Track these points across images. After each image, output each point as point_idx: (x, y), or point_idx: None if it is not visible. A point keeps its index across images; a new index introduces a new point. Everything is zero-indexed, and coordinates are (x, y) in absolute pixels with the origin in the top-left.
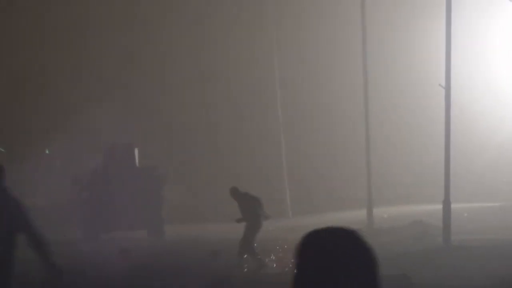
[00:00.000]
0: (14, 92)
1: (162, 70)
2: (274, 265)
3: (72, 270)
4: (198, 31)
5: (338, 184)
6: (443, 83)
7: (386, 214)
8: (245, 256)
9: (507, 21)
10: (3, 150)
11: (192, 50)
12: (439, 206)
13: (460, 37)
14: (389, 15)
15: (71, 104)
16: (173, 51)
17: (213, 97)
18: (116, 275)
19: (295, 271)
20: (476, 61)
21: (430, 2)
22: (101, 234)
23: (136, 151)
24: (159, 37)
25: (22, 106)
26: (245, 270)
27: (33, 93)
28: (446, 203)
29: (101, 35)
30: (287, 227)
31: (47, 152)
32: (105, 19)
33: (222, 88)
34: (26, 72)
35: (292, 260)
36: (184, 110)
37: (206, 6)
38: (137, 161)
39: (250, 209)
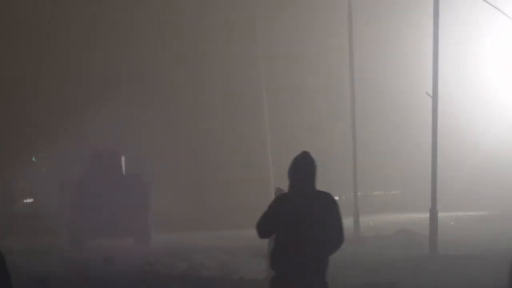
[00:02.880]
0: (2, 99)
1: (150, 76)
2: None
3: (57, 277)
4: (188, 39)
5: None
6: (430, 91)
7: (373, 222)
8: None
9: (496, 29)
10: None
11: (180, 57)
12: (425, 215)
13: (448, 45)
14: (376, 22)
15: (58, 112)
16: (160, 58)
17: (200, 103)
18: (101, 283)
19: None
20: (464, 68)
21: (418, 10)
22: (87, 241)
23: (123, 159)
24: (150, 44)
25: (10, 113)
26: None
27: (21, 100)
28: (433, 211)
29: (88, 47)
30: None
31: (33, 159)
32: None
33: (208, 95)
34: (14, 80)
35: None
36: (171, 116)
37: (197, 11)
38: (124, 168)
39: None
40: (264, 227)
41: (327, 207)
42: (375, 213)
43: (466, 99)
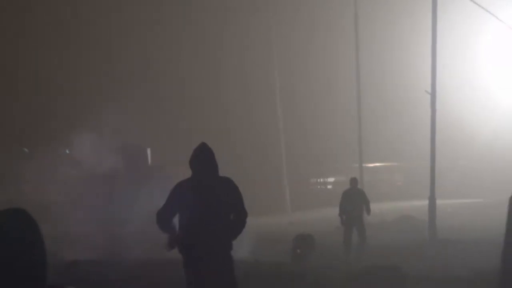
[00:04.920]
0: (36, 92)
1: (172, 71)
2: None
3: (86, 261)
4: (205, 34)
5: (335, 181)
6: (429, 89)
7: (378, 210)
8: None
9: (490, 32)
10: (26, 150)
11: (197, 53)
12: (425, 202)
13: (447, 47)
14: (381, 27)
15: (87, 105)
16: (179, 58)
17: (214, 96)
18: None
19: None
20: (462, 68)
21: (419, 17)
22: (112, 230)
23: (149, 151)
24: (169, 38)
25: (43, 106)
26: None
27: (53, 93)
28: (432, 199)
29: (113, 38)
30: (287, 221)
31: (67, 152)
32: (117, 20)
33: (223, 89)
34: (46, 72)
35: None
36: (184, 110)
37: (211, 10)
38: (149, 160)
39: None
40: (163, 214)
41: (227, 191)
42: (380, 201)
43: (464, 96)
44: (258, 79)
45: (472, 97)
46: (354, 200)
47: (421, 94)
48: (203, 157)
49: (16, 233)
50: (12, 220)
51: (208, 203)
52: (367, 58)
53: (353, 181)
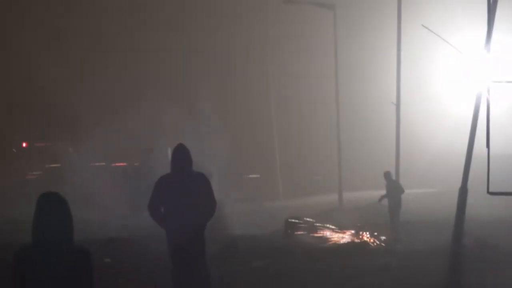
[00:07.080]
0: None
1: (175, 80)
2: None
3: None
4: (204, 35)
5: (319, 174)
6: (394, 101)
7: (352, 198)
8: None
9: (444, 55)
10: (71, 149)
11: (193, 53)
12: None
13: (411, 67)
14: (356, 47)
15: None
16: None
17: (211, 90)
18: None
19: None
20: (421, 84)
21: (385, 39)
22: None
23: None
24: (170, 41)
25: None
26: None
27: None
28: None
29: (128, 46)
30: (279, 206)
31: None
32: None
33: (222, 84)
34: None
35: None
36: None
37: (210, 10)
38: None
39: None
40: (154, 206)
41: (199, 184)
42: (355, 190)
43: (424, 104)
44: (255, 93)
45: (431, 106)
46: (393, 189)
47: (387, 107)
48: (179, 156)
49: (51, 208)
50: (49, 200)
51: (183, 194)
52: (345, 72)
53: (388, 174)
